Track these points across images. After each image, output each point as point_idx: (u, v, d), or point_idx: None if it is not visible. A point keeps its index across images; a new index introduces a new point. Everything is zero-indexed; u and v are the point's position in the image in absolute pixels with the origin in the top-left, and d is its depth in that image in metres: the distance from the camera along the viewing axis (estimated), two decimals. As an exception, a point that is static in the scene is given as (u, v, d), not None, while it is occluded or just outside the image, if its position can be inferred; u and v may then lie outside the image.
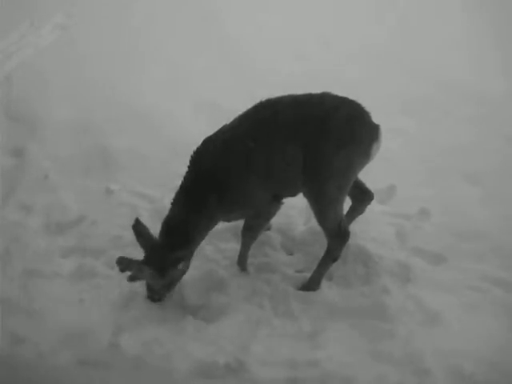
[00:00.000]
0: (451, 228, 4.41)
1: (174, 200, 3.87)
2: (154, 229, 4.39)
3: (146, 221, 4.53)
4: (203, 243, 4.31)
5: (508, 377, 3.37)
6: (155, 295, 3.91)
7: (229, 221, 4.12)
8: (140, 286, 4.06)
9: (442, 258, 4.19)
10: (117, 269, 4.18)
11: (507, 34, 6.95)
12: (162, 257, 3.73)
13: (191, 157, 3.86)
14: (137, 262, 3.69)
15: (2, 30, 7.05)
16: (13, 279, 4.14)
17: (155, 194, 4.81)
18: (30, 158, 5.24)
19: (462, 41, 6.95)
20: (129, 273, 3.70)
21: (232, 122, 3.88)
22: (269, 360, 3.50)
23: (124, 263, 3.63)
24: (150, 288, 3.89)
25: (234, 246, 4.23)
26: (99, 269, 4.22)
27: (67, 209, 4.75)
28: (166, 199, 4.68)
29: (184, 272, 3.92)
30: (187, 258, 3.83)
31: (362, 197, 4.21)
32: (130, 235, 4.44)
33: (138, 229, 3.82)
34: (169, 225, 3.82)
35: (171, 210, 3.86)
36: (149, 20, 7.52)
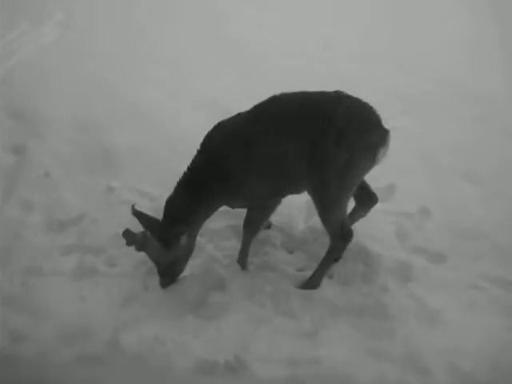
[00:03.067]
0: (451, 227, 4.42)
1: (180, 180, 3.95)
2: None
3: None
4: (204, 241, 4.32)
5: (508, 376, 3.39)
6: (165, 277, 3.98)
7: (232, 207, 4.14)
8: (140, 283, 4.07)
9: (441, 256, 4.20)
10: (117, 267, 4.21)
11: (507, 33, 6.96)
12: (163, 230, 3.82)
13: (203, 140, 3.94)
14: (141, 232, 3.78)
15: (3, 28, 7.05)
16: (13, 277, 4.14)
17: (155, 192, 4.81)
18: (31, 156, 5.24)
19: (462, 39, 6.95)
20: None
21: (244, 112, 3.92)
22: (269, 358, 3.51)
23: (130, 236, 3.73)
24: (159, 268, 3.95)
25: (235, 245, 4.24)
26: (99, 267, 4.23)
27: (68, 206, 4.75)
28: (166, 198, 4.70)
29: (190, 250, 3.99)
30: (191, 234, 3.89)
31: (367, 199, 4.19)
32: (130, 233, 4.46)
33: (137, 212, 3.89)
34: (170, 204, 3.93)
35: (175, 190, 3.96)
36: (150, 18, 7.53)
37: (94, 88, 6.12)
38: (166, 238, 3.80)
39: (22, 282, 4.09)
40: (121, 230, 4.45)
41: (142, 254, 4.24)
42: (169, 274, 3.99)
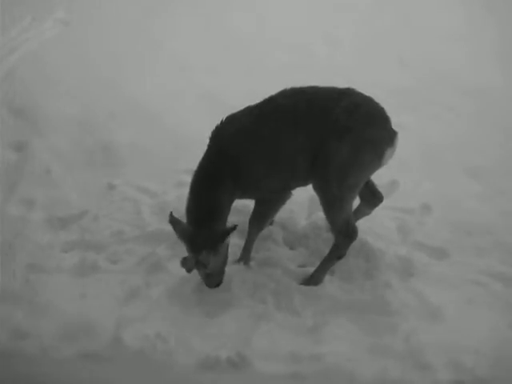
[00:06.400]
0: (452, 223, 4.42)
1: (194, 180, 3.85)
2: (156, 223, 4.42)
3: (147, 216, 4.55)
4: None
5: (509, 371, 3.38)
6: (215, 279, 3.89)
7: (240, 198, 4.07)
8: (141, 280, 4.07)
9: (443, 252, 4.20)
10: (119, 264, 4.20)
11: (506, 28, 6.95)
12: (208, 237, 3.70)
13: (212, 134, 3.88)
14: (197, 254, 3.69)
15: (4, 24, 7.05)
16: (15, 273, 4.14)
17: (157, 188, 4.81)
18: (33, 153, 5.23)
19: (460, 34, 6.94)
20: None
21: (254, 106, 3.89)
22: (271, 354, 3.50)
23: (188, 262, 3.64)
24: (209, 274, 3.85)
25: (237, 242, 4.23)
26: (101, 263, 4.22)
27: (69, 203, 4.75)
28: (167, 194, 4.71)
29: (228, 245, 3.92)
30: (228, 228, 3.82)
31: (371, 198, 4.18)
32: (131, 230, 4.47)
33: (174, 220, 3.78)
34: (195, 209, 3.80)
35: (191, 192, 3.84)
36: (150, 14, 7.51)
37: (95, 85, 6.11)
38: (212, 243, 3.71)
39: (24, 279, 4.08)
40: (122, 227, 4.48)
41: (143, 251, 4.25)
42: (218, 274, 3.91)
